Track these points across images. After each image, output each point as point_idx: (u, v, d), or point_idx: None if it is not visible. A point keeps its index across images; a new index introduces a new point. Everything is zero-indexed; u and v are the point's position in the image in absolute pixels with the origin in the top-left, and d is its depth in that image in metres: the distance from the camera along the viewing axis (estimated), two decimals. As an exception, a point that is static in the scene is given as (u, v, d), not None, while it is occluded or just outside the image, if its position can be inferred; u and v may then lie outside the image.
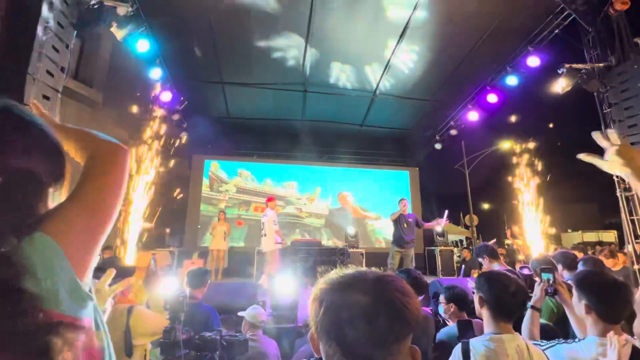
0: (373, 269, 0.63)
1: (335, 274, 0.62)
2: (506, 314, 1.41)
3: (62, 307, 0.49)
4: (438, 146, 9.41)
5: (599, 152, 0.98)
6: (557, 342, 1.42)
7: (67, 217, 0.56)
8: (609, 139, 0.95)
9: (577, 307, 1.46)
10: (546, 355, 1.33)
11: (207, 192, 9.61)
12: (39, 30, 2.68)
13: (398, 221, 5.55)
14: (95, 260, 0.59)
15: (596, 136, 0.97)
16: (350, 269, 0.62)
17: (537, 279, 2.03)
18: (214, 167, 9.78)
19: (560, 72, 4.38)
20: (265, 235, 5.61)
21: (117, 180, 0.65)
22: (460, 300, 2.28)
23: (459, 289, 2.34)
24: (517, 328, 1.53)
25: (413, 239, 5.61)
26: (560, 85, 4.33)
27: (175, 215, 8.60)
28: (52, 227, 0.53)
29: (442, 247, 8.58)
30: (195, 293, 2.43)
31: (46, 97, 2.80)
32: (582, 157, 0.97)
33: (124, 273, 1.95)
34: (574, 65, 4.23)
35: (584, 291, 1.41)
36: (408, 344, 0.56)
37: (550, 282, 1.88)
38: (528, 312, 1.74)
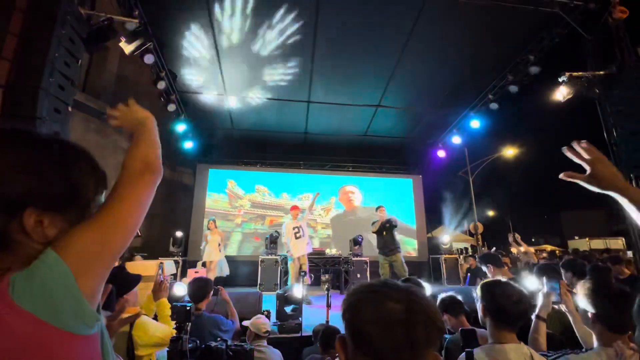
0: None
1: (367, 283, 0.65)
2: (509, 323, 1.41)
3: (66, 325, 0.50)
4: (441, 153, 9.43)
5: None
6: (563, 352, 1.41)
7: (82, 237, 0.55)
8: (584, 154, 0.87)
9: (583, 317, 1.46)
10: (552, 366, 1.34)
11: (227, 208, 9.65)
12: (52, 46, 2.78)
13: (379, 231, 5.58)
14: (104, 281, 0.58)
15: (567, 152, 0.90)
16: (378, 280, 0.66)
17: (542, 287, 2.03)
18: (231, 184, 9.85)
19: (561, 80, 4.42)
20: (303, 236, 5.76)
21: (139, 206, 0.64)
22: (449, 307, 2.26)
23: (446, 297, 2.32)
24: (523, 337, 1.53)
25: (397, 245, 5.56)
26: (562, 93, 4.37)
27: (180, 224, 8.64)
28: (65, 245, 0.53)
29: (447, 255, 8.51)
30: (198, 305, 2.43)
31: (57, 111, 2.88)
32: (563, 176, 0.90)
33: (130, 282, 1.97)
34: (575, 73, 4.26)
35: (591, 301, 1.41)
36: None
37: (557, 291, 1.87)
38: (534, 322, 1.74)
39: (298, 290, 3.67)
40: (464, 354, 1.43)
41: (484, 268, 2.91)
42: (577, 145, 0.89)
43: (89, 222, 0.58)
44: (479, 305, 1.55)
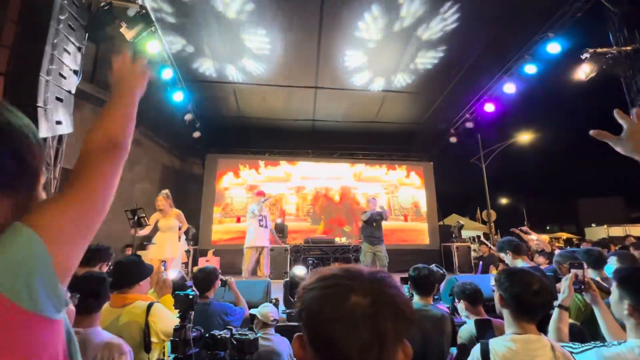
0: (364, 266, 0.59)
1: (326, 274, 0.54)
2: (528, 314, 1.32)
3: (33, 305, 0.46)
4: (453, 140, 9.17)
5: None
6: (593, 345, 1.30)
7: (57, 215, 0.52)
8: (629, 118, 0.90)
9: (616, 308, 1.34)
10: (574, 358, 1.24)
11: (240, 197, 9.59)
12: (50, 33, 2.72)
13: (368, 220, 5.64)
14: (77, 263, 0.55)
15: (618, 114, 0.92)
16: (339, 268, 0.55)
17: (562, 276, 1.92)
18: (241, 172, 9.73)
19: (583, 57, 4.14)
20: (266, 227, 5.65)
21: (106, 184, 0.61)
22: (470, 296, 2.19)
23: (467, 284, 2.27)
24: (541, 328, 1.43)
25: (382, 236, 5.72)
26: (584, 72, 4.10)
27: (190, 214, 8.72)
28: (39, 220, 0.49)
29: (459, 244, 8.38)
30: (206, 294, 2.42)
31: (59, 99, 2.84)
32: (594, 133, 0.94)
33: (145, 271, 2.00)
34: (599, 50, 3.98)
35: (628, 290, 1.29)
36: None
37: (579, 277, 1.76)
38: (555, 312, 1.63)
39: (300, 270, 3.68)
40: (478, 345, 1.34)
41: (502, 255, 2.79)
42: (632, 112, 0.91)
43: (60, 199, 0.55)
44: (496, 294, 1.45)
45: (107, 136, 0.64)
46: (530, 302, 1.29)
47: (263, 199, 5.70)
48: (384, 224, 5.78)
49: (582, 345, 1.36)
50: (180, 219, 4.54)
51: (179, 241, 4.46)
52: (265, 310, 2.49)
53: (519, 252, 2.76)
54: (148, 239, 4.78)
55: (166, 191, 4.56)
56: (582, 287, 1.79)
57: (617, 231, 14.67)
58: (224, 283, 2.68)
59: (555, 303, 1.61)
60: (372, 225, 5.64)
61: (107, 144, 0.63)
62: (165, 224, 4.37)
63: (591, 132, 0.94)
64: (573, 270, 1.80)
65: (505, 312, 1.36)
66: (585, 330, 2.01)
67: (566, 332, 1.61)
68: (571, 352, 1.33)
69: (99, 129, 0.65)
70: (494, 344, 1.27)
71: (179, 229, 4.48)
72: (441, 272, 3.05)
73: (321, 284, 0.52)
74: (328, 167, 10.19)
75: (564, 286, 1.72)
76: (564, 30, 5.47)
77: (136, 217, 4.03)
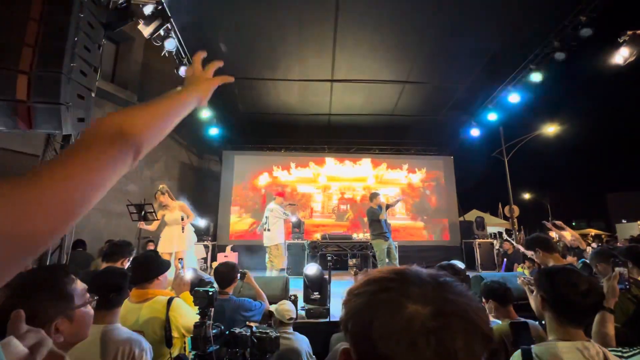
0: (415, 265, 0.48)
1: (376, 276, 0.45)
2: (575, 319, 1.20)
3: None
4: (475, 132, 8.84)
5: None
6: None
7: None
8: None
9: None
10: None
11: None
12: (71, 31, 2.74)
13: (381, 218, 5.43)
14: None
15: None
16: (392, 270, 0.46)
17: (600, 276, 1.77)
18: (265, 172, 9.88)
19: (621, 40, 3.84)
20: (268, 230, 5.56)
21: (94, 183, 0.43)
22: (499, 295, 2.05)
23: (495, 282, 2.14)
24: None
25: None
26: (622, 56, 3.80)
27: (209, 211, 8.85)
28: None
29: (481, 240, 8.10)
30: (226, 290, 2.41)
31: (80, 97, 2.87)
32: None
33: (162, 266, 2.01)
34: (639, 32, 3.68)
35: None
36: None
37: (625, 275, 1.62)
38: (598, 314, 1.50)
39: (312, 269, 3.64)
40: (519, 351, 1.23)
41: (530, 253, 2.62)
42: None
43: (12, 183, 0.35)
44: (534, 296, 1.33)
45: (122, 127, 0.49)
46: (578, 304, 1.17)
47: (286, 204, 5.84)
48: (394, 221, 5.61)
49: (632, 349, 1.23)
50: (185, 210, 4.43)
51: (183, 232, 4.32)
52: (282, 308, 2.45)
53: (551, 249, 2.57)
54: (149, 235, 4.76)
55: (161, 187, 4.49)
56: (628, 286, 1.66)
57: (651, 227, 13.83)
58: (243, 275, 2.65)
59: None
60: (385, 219, 5.46)
61: (117, 134, 0.48)
62: (171, 218, 4.36)
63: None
64: (617, 269, 1.68)
65: (548, 316, 1.25)
66: (630, 333, 1.86)
67: (612, 336, 1.48)
68: (620, 357, 1.21)
69: (118, 115, 0.51)
70: (539, 351, 1.16)
71: (182, 219, 4.37)
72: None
73: (370, 288, 0.43)
74: (352, 169, 10.19)
75: (608, 286, 1.58)
76: (596, 13, 5.10)
77: (143, 212, 4.04)
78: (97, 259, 4.43)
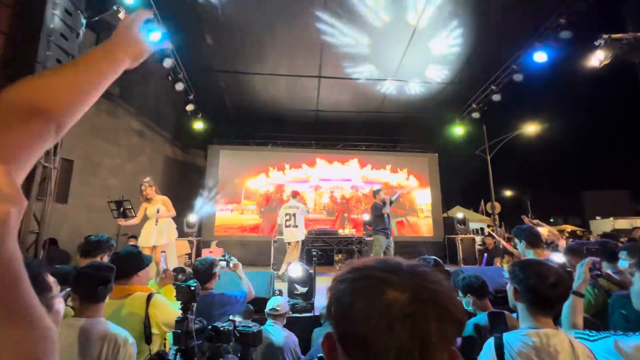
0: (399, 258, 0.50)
1: (359, 265, 0.48)
2: (545, 308, 1.25)
3: None
4: (460, 130, 9.03)
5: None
6: (610, 333, 1.24)
7: None
8: None
9: (638, 299, 1.28)
10: (592, 352, 1.18)
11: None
12: (47, 18, 2.64)
13: (384, 213, 5.42)
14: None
15: None
16: (375, 259, 0.49)
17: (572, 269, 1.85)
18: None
19: (597, 43, 3.99)
20: (296, 226, 5.76)
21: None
22: (477, 289, 2.13)
23: (472, 278, 2.21)
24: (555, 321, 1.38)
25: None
26: (598, 58, 3.96)
27: (193, 205, 8.71)
28: None
29: (463, 236, 8.31)
30: (206, 285, 2.39)
31: (57, 87, 2.78)
32: None
33: (142, 262, 1.99)
34: (614, 35, 3.83)
35: None
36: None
37: (597, 264, 1.68)
38: (569, 299, 1.56)
39: (294, 270, 3.67)
40: (491, 339, 1.29)
41: (515, 241, 2.70)
42: None
43: None
44: (509, 287, 1.39)
45: (32, 100, 0.41)
46: (547, 294, 1.23)
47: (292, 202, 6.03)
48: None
49: (599, 333, 1.29)
50: (167, 204, 4.34)
51: (156, 225, 4.20)
52: (276, 304, 2.46)
53: (535, 244, 2.61)
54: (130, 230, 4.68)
55: (148, 179, 4.40)
56: (599, 273, 1.71)
57: (623, 224, 14.54)
58: (228, 263, 2.63)
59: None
60: (387, 215, 5.38)
61: (28, 110, 0.40)
62: (152, 211, 4.25)
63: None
64: (590, 258, 1.72)
65: (520, 306, 1.30)
66: (599, 323, 1.95)
67: (579, 322, 1.55)
68: (587, 340, 1.27)
69: (24, 86, 0.42)
70: (509, 338, 1.21)
71: (157, 211, 4.25)
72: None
73: (353, 275, 0.46)
74: (341, 169, 10.30)
75: (580, 272, 1.64)
76: (576, 16, 5.27)
77: (122, 209, 4.01)
78: (75, 255, 4.31)
